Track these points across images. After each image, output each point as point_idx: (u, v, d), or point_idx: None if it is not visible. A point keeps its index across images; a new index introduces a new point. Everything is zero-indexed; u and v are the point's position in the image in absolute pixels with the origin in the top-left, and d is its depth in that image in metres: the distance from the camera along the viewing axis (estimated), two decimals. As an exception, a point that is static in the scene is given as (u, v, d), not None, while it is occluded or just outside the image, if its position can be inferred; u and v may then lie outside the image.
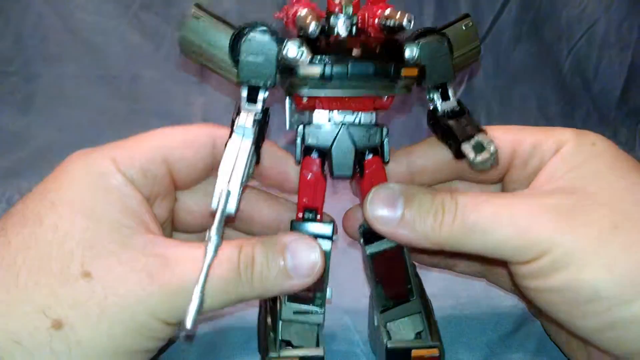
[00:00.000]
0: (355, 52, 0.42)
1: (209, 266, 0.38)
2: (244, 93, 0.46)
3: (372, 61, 0.42)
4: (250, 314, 0.57)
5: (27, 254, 0.39)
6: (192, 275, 0.39)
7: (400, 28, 0.42)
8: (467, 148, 0.47)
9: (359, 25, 0.45)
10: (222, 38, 0.46)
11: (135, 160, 0.45)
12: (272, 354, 0.47)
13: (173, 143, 0.48)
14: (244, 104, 0.46)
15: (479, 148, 0.46)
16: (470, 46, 0.51)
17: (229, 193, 0.40)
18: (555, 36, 1.21)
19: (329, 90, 0.43)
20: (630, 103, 1.26)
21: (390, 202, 0.44)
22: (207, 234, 0.38)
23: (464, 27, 0.50)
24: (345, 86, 0.43)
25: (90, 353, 0.38)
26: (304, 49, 0.42)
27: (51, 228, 0.40)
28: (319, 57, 0.42)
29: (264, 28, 0.45)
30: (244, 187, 0.44)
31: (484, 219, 0.42)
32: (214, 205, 0.40)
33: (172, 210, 0.51)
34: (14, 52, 1.07)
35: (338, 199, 0.60)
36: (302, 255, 0.43)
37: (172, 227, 0.53)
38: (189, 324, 0.37)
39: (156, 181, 0.46)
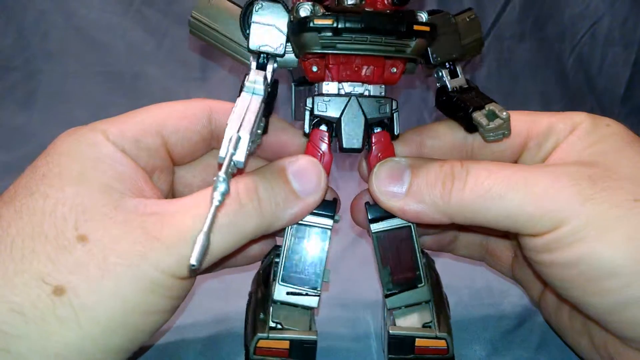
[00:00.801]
0: (368, 8, 0.43)
1: (216, 211, 0.35)
2: (254, 64, 0.46)
3: (385, 15, 0.42)
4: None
5: (19, 224, 0.38)
6: (188, 225, 0.39)
7: None
8: (479, 116, 0.46)
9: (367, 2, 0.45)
10: (232, 16, 0.47)
11: (126, 132, 0.44)
12: (261, 334, 0.44)
13: (166, 115, 0.47)
14: (254, 72, 0.45)
15: (491, 116, 0.46)
16: (472, 37, 0.51)
17: (238, 139, 0.38)
18: (559, 34, 1.21)
19: (342, 48, 0.42)
20: (633, 100, 1.25)
21: (396, 175, 0.43)
22: (215, 179, 0.35)
23: (467, 19, 0.51)
24: (358, 44, 0.42)
25: (98, 316, 0.37)
26: (317, 6, 0.42)
27: (42, 196, 0.39)
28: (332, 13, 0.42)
29: None
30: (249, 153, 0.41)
31: (498, 183, 0.40)
32: (222, 152, 0.37)
33: (171, 184, 0.50)
34: (15, 48, 1.07)
35: (344, 186, 0.60)
36: (304, 172, 0.43)
37: None
38: (193, 259, 0.34)
39: (151, 153, 0.46)
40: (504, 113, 0.46)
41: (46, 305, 0.35)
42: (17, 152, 1.05)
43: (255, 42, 0.45)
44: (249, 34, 0.45)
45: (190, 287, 0.42)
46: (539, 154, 0.49)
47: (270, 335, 0.44)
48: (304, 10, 0.42)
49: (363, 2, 0.45)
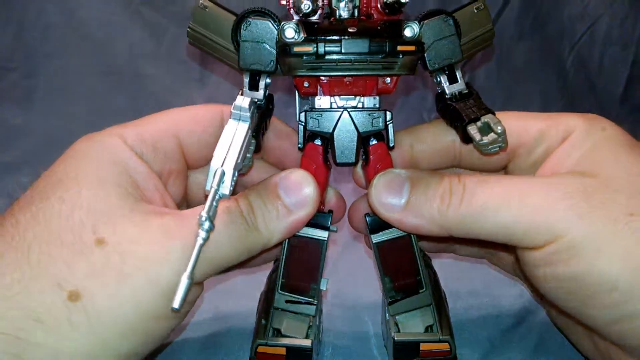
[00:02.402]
0: (352, 30, 0.42)
1: (200, 249, 0.36)
2: (246, 79, 0.46)
3: (367, 37, 0.41)
4: (250, 309, 0.56)
5: (36, 229, 0.38)
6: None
7: (399, 4, 0.42)
8: (472, 130, 0.45)
9: (364, 8, 0.45)
10: (226, 26, 0.46)
11: (144, 136, 0.45)
12: (260, 341, 0.47)
13: (182, 119, 0.48)
14: (246, 90, 0.46)
15: (486, 129, 0.44)
16: (482, 29, 0.49)
17: (222, 174, 0.39)
18: (558, 33, 1.21)
19: (327, 70, 0.42)
20: (632, 100, 1.25)
21: (395, 188, 0.44)
22: (199, 217, 0.36)
23: (475, 10, 0.49)
24: (343, 66, 0.42)
25: (112, 322, 0.37)
26: (300, 29, 0.42)
27: (58, 201, 0.39)
28: (310, 37, 0.41)
29: (264, 13, 0.45)
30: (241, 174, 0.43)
31: (493, 198, 0.40)
32: (207, 186, 0.38)
33: (185, 188, 0.51)
34: (15, 47, 1.07)
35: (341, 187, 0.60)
36: (294, 187, 0.44)
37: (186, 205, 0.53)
38: (176, 303, 0.35)
39: (167, 157, 0.46)
40: (499, 127, 0.44)
41: (61, 311, 0.35)
42: (17, 152, 1.05)
43: (245, 61, 0.45)
44: (239, 51, 0.45)
45: (201, 291, 0.43)
46: (528, 160, 0.49)
47: (268, 342, 0.46)
48: (289, 32, 0.42)
49: (357, 10, 0.44)
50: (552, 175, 0.43)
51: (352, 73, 0.43)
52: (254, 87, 0.46)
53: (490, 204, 0.40)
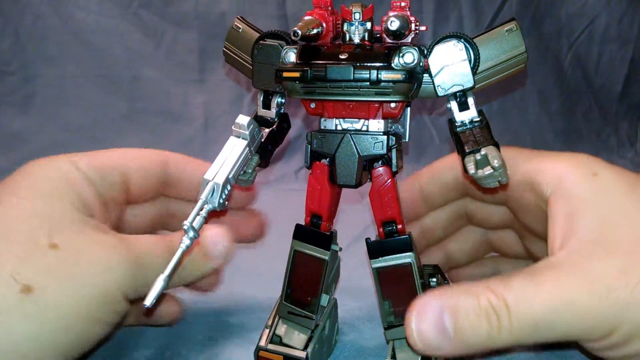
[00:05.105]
0: (343, 56, 0.42)
1: (181, 255, 0.40)
2: (260, 98, 0.49)
3: (351, 65, 0.41)
4: (249, 309, 0.57)
5: None
6: (146, 252, 0.44)
7: (395, 33, 0.43)
8: (468, 162, 0.42)
9: (381, 31, 0.44)
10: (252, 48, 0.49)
11: (94, 164, 0.49)
12: (261, 345, 0.50)
13: (131, 157, 0.53)
14: (260, 108, 0.49)
15: (484, 162, 0.42)
16: (513, 52, 0.45)
17: (214, 186, 0.41)
18: (556, 32, 1.21)
19: (320, 94, 0.43)
20: (631, 98, 1.25)
21: (436, 323, 0.40)
22: (183, 225, 0.40)
23: (505, 32, 0.45)
24: (335, 91, 0.42)
25: (62, 315, 0.40)
26: (293, 54, 0.44)
27: (13, 206, 0.43)
28: (302, 62, 0.43)
29: (278, 35, 0.47)
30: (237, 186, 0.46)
31: (541, 313, 0.39)
32: (201, 196, 0.41)
33: (120, 218, 0.54)
34: (13, 52, 1.07)
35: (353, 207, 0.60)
36: (210, 244, 0.48)
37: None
38: (148, 301, 0.39)
39: (112, 186, 0.50)
40: (496, 161, 0.41)
41: (14, 301, 0.39)
42: (15, 157, 1.05)
43: (257, 82, 0.48)
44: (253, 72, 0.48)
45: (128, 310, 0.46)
46: (521, 202, 0.49)
47: (268, 348, 0.50)
48: (291, 55, 0.44)
49: (367, 33, 0.45)
50: (580, 258, 0.42)
51: (344, 98, 0.43)
52: (266, 106, 0.48)
53: (542, 321, 0.40)
